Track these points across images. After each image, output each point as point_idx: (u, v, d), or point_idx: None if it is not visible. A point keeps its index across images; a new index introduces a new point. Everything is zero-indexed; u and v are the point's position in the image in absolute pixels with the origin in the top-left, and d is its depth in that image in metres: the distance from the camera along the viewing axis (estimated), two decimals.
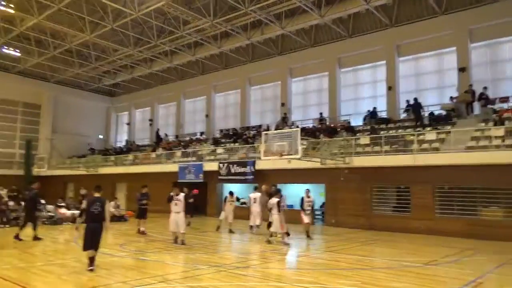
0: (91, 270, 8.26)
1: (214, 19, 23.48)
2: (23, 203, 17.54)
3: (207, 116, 32.89)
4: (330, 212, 19.68)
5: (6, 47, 29.83)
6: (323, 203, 20.98)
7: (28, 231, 13.03)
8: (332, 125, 23.74)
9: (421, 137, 17.82)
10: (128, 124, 40.67)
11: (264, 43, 27.66)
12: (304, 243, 13.47)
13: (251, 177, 21.79)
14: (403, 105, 22.33)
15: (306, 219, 14.15)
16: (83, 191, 28.58)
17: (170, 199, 12.31)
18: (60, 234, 15.29)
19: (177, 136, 34.33)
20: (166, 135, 34.95)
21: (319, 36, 26.13)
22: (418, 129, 19.11)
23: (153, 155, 29.93)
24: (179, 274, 8.46)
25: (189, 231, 14.24)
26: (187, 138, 32.62)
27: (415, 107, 20.40)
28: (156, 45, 28.11)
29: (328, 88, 25.95)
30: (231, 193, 17.06)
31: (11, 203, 18.81)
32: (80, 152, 37.62)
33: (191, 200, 15.16)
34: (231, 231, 15.80)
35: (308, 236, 14.13)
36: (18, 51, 30.63)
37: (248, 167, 22.09)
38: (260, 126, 28.08)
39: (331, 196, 19.58)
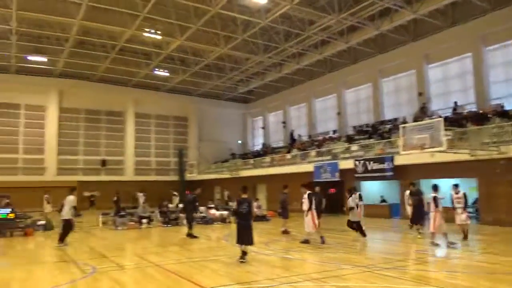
0: (242, 262, 9.19)
1: (339, 15, 23.13)
2: (181, 205, 19.77)
3: (339, 113, 32.51)
4: (484, 209, 17.59)
5: (157, 69, 34.12)
6: (476, 199, 18.81)
7: (184, 229, 14.66)
8: (481, 111, 21.17)
9: None
10: (263, 128, 42.66)
11: (394, 31, 26.11)
12: (457, 244, 12.29)
13: (390, 173, 20.79)
14: None
15: (458, 218, 12.78)
16: (226, 193, 31.01)
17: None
18: (212, 233, 16.82)
19: (310, 136, 34.72)
20: (300, 135, 35.65)
21: (458, 14, 23.56)
22: None
23: (288, 156, 30.80)
24: (323, 273, 8.54)
25: (329, 231, 14.22)
26: (320, 137, 32.73)
27: None
28: (284, 49, 28.96)
29: (472, 71, 23.25)
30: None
31: (170, 205, 21.45)
32: (223, 157, 40.88)
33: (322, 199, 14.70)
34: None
35: (465, 237, 12.73)
36: (166, 71, 34.75)
37: (386, 163, 21.11)
38: (395, 120, 26.62)
39: (485, 191, 17.46)
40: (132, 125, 40.10)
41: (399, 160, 20.19)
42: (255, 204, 21.42)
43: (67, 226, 13.00)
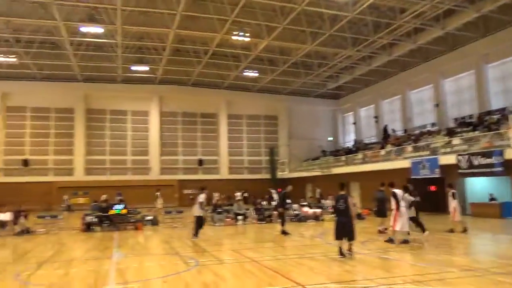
0: (345, 256, 9.42)
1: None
2: (273, 202, 20.10)
3: (437, 105, 30.29)
4: None
5: (246, 70, 35.10)
6: None
7: (278, 227, 14.89)
8: None
9: None
10: (354, 123, 41.49)
11: (499, 10, 23.52)
12: None
13: (499, 169, 18.81)
14: None
15: None
16: (318, 190, 30.74)
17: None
18: (306, 231, 16.83)
19: (405, 131, 32.90)
20: (394, 130, 33.98)
21: None
22: None
23: (382, 152, 29.55)
24: (426, 275, 8.03)
25: (431, 232, 13.34)
26: (417, 132, 30.84)
27: None
28: (373, 41, 27.85)
29: None
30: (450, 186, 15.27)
31: (263, 202, 21.92)
32: (313, 155, 40.65)
33: (416, 198, 13.54)
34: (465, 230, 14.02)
35: None
36: (256, 71, 35.54)
37: (495, 157, 19.14)
38: (504, 109, 24.03)
39: None
40: (225, 125, 41.79)
41: (511, 154, 18.21)
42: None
43: (199, 221, 14.03)
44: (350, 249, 9.67)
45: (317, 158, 38.85)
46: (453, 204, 14.27)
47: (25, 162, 35.96)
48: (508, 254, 10.69)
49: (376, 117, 37.52)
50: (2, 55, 29.92)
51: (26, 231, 16.79)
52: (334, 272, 8.38)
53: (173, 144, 40.36)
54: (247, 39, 27.92)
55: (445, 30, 25.68)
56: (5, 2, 23.68)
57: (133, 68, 34.08)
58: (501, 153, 18.79)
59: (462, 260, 9.52)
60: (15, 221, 17.12)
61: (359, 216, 20.87)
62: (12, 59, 30.59)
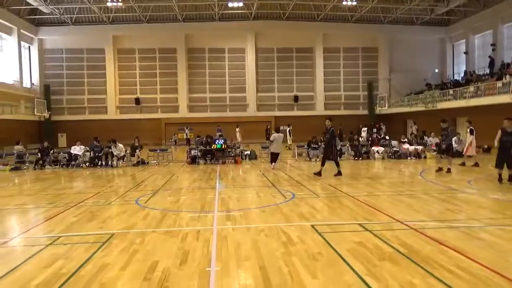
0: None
1: None
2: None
3: None
4: None
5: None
6: None
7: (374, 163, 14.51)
8: None
9: None
10: (466, 53, 37.23)
11: None
12: None
13: None
14: None
15: None
16: (414, 127, 28.84)
17: None
18: (405, 168, 16.26)
19: None
20: None
21: None
22: None
23: (499, 84, 26.33)
24: None
25: None
26: None
27: None
28: None
29: None
30: None
31: (361, 138, 21.45)
32: (416, 89, 37.90)
33: None
34: None
35: None
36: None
37: None
38: None
39: None
40: (321, 60, 40.56)
41: None
42: (455, 138, 19.57)
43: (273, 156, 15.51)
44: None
45: (420, 92, 36.16)
46: (470, 139, 15.64)
47: (137, 101, 39.46)
48: None
49: (493, 44, 33.12)
50: (109, 0, 32.15)
51: (142, 162, 18.89)
52: (435, 210, 8.07)
53: (269, 81, 40.66)
54: None
55: None
56: None
57: (230, 4, 34.20)
58: None
59: None
60: (132, 153, 19.29)
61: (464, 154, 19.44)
62: (118, 3, 32.73)
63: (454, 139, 19.99)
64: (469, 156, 16.00)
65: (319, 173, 13.42)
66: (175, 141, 36.07)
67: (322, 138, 13.43)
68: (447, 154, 14.19)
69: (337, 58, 41.03)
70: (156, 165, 19.01)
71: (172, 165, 19.05)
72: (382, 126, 32.82)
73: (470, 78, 33.27)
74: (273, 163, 16.08)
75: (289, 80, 40.79)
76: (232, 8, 35.48)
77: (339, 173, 13.37)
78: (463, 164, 15.78)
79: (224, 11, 36.44)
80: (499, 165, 11.10)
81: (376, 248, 5.49)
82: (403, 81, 39.00)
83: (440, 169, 14.00)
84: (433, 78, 39.12)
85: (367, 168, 16.32)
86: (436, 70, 40.30)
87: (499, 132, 11.12)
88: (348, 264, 4.90)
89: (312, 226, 6.78)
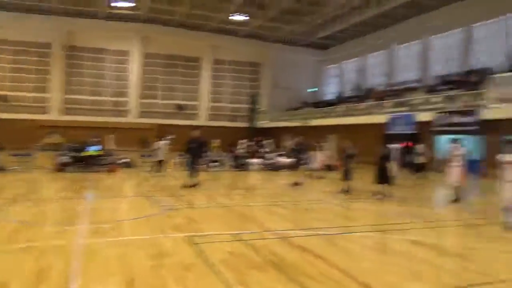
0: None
1: None
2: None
3: (422, 61, 30.29)
4: None
5: (234, 14, 33.35)
6: None
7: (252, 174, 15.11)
8: None
9: None
10: (338, 76, 41.36)
11: None
12: None
13: (474, 127, 19.31)
14: None
15: None
16: (293, 141, 30.86)
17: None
18: (280, 179, 17.22)
19: (388, 85, 33.02)
20: (377, 85, 33.97)
21: None
22: None
23: (363, 106, 29.81)
24: (390, 225, 8.47)
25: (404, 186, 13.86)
26: (399, 87, 31.00)
27: None
28: None
29: None
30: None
31: (241, 150, 22.14)
32: (295, 105, 40.70)
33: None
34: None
35: None
36: (245, 15, 33.74)
37: (471, 116, 19.62)
38: (486, 69, 24.25)
39: None
40: (207, 70, 41.05)
41: (488, 114, 18.65)
42: (326, 153, 21.38)
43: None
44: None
45: (298, 109, 38.98)
46: (320, 155, 17.86)
47: (4, 98, 34.90)
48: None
49: (360, 70, 37.44)
50: None
51: (1, 169, 16.64)
52: (302, 219, 8.72)
53: (154, 87, 39.68)
54: None
55: None
56: None
57: (116, 4, 32.29)
58: (477, 113, 19.24)
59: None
60: None
61: (331, 168, 21.34)
62: None
63: (314, 153, 21.92)
64: (319, 170, 17.41)
65: (192, 185, 12.86)
66: (43, 145, 32.61)
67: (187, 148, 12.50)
68: (309, 168, 15.62)
69: (223, 70, 41.96)
70: (18, 171, 16.97)
71: (38, 172, 17.22)
72: (262, 139, 34.37)
73: (340, 99, 37.00)
74: (157, 172, 15.98)
75: (174, 88, 40.34)
76: (120, 8, 33.70)
77: (193, 185, 12.76)
78: (321, 177, 16.94)
79: (112, 11, 34.46)
80: (377, 181, 11.84)
81: (246, 257, 5.72)
82: (284, 97, 41.52)
83: (296, 184, 14.60)
84: (310, 97, 42.51)
85: (244, 179, 16.91)
86: (313, 89, 43.88)
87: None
88: (220, 274, 5.00)
89: (186, 237, 6.76)
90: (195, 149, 12.86)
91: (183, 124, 37.93)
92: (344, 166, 12.80)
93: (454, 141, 11.82)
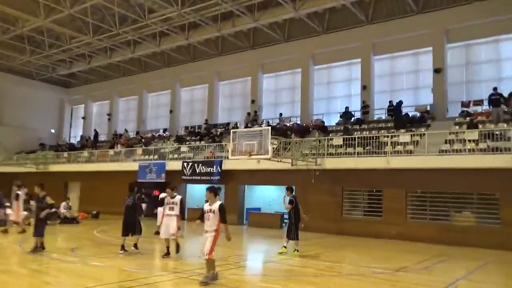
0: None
1: (182, 9, 23.17)
2: None
3: (171, 111, 32.42)
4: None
5: None
6: None
7: None
8: (304, 124, 23.93)
9: (395, 139, 18.23)
10: (84, 118, 39.57)
11: (235, 35, 27.53)
12: (271, 248, 13.43)
13: (217, 177, 21.62)
14: (378, 105, 22.91)
15: None
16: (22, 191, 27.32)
17: (161, 202, 12.02)
18: (4, 238, 14.58)
19: (138, 133, 33.62)
20: (126, 130, 34.07)
21: (293, 31, 26.21)
22: (392, 131, 19.53)
23: (111, 152, 29.19)
24: (137, 281, 8.21)
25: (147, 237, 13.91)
26: (149, 135, 32.01)
27: (396, 108, 20.90)
28: (117, 34, 27.42)
29: (300, 86, 26.11)
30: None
31: None
32: (29, 148, 36.26)
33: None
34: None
35: None
36: None
37: (215, 167, 21.92)
38: (228, 124, 27.96)
39: (301, 199, 19.56)
40: None
41: (228, 165, 21.19)
42: (63, 204, 19.76)
43: None
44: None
45: (33, 152, 34.87)
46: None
47: None
48: None
49: (109, 114, 36.97)
50: None
51: None
52: (33, 285, 7.48)
53: None
54: None
55: (189, 40, 27.91)
56: None
57: None
58: (220, 163, 21.68)
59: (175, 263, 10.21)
60: None
61: (74, 220, 19.85)
62: None
63: (63, 204, 20.11)
64: (15, 223, 16.09)
65: None
66: None
67: None
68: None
69: None
70: None
71: None
72: None
73: (85, 143, 35.24)
74: None
75: None
76: None
77: None
78: (5, 231, 15.15)
79: None
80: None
81: None
82: (15, 137, 36.35)
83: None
84: (49, 139, 38.79)
85: None
86: (53, 131, 40.34)
87: None
88: None
89: None
90: None
91: None
92: (36, 217, 11.15)
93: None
